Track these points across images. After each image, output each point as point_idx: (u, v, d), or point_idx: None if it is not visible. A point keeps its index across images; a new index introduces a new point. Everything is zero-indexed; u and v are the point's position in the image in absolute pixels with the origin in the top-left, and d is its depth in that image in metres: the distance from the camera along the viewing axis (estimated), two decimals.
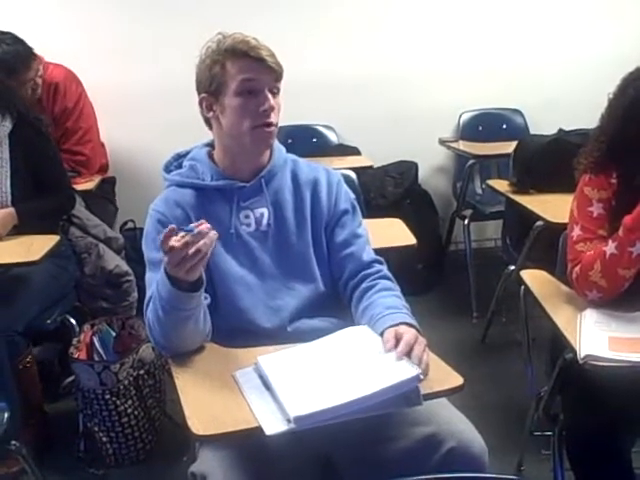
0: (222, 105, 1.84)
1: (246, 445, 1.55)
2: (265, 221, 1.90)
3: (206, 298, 1.77)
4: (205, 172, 1.90)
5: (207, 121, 1.91)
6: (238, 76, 1.80)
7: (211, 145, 1.96)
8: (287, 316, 1.86)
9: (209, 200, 1.87)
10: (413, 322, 1.73)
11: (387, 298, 1.83)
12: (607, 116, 2.02)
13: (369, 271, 1.92)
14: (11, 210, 2.68)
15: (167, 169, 1.97)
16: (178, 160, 1.99)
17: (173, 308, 1.66)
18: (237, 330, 1.83)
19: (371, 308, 1.81)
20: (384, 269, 1.95)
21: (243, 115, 1.82)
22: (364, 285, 1.89)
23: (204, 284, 1.67)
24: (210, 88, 1.84)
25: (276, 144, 1.96)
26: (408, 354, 1.58)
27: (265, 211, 1.90)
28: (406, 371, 1.51)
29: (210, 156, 1.94)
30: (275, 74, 1.82)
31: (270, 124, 1.83)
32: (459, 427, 1.63)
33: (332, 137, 4.36)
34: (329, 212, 1.95)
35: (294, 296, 1.89)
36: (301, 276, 1.91)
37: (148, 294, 1.77)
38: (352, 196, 2.02)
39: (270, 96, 1.82)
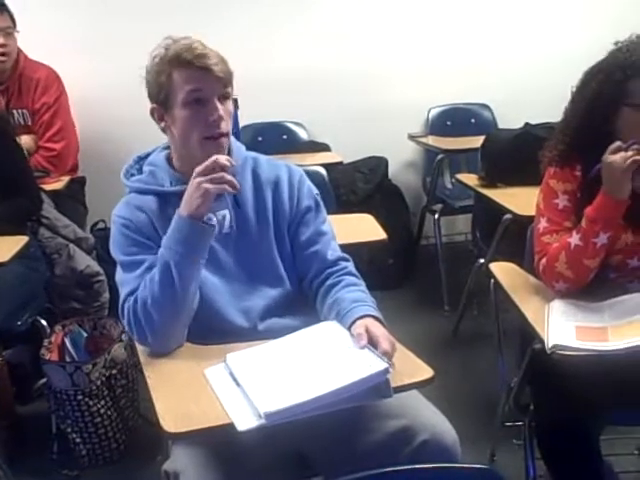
0: (172, 116, 1.82)
1: (219, 442, 1.55)
2: (227, 223, 1.88)
3: None
4: (164, 178, 1.88)
5: (162, 129, 1.89)
6: (185, 87, 1.77)
7: (169, 147, 1.94)
8: (256, 316, 1.86)
9: (170, 205, 1.84)
10: (379, 315, 1.74)
11: (353, 293, 1.83)
12: (570, 109, 2.05)
13: (334, 268, 1.91)
14: None
15: (127, 174, 1.94)
16: (139, 163, 1.97)
17: (192, 248, 1.71)
18: (209, 332, 1.82)
19: (337, 303, 1.81)
20: (349, 266, 1.94)
21: (192, 126, 1.79)
22: (329, 282, 1.89)
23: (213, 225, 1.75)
24: (159, 98, 1.82)
25: (234, 143, 1.93)
26: (376, 347, 1.59)
27: (227, 213, 1.87)
28: (375, 364, 1.52)
29: (169, 160, 1.91)
30: (223, 81, 1.79)
31: (220, 135, 1.81)
32: (431, 420, 1.65)
33: (302, 134, 4.37)
34: (292, 211, 1.93)
35: (262, 297, 1.88)
36: (267, 277, 1.90)
37: (125, 291, 1.77)
38: (315, 192, 2.00)
39: (219, 105, 1.78)
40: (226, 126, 1.82)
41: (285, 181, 1.95)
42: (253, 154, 2.00)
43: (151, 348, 1.78)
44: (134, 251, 1.79)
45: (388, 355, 1.57)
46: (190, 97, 1.77)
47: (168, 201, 1.85)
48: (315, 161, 3.51)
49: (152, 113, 1.86)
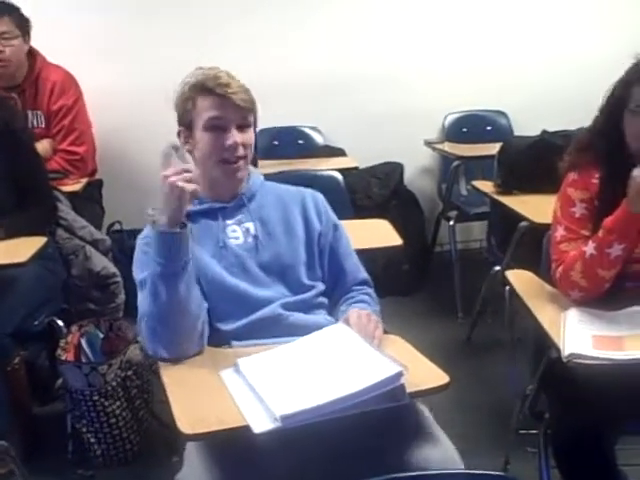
0: (194, 139, 1.91)
1: (233, 451, 1.57)
2: (252, 232, 1.95)
3: (204, 302, 1.84)
4: None
5: (188, 151, 1.96)
6: (205, 113, 1.87)
7: None
8: (281, 308, 1.91)
9: (195, 223, 1.91)
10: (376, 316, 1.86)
11: (362, 305, 1.95)
12: (600, 113, 2.05)
13: (358, 287, 2.03)
14: None
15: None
16: None
17: (167, 260, 1.71)
18: (232, 332, 1.87)
19: (344, 312, 1.93)
20: (371, 292, 2.05)
21: (210, 150, 1.89)
22: (348, 295, 2.01)
23: (187, 224, 1.75)
24: (185, 122, 1.92)
25: (252, 171, 2.03)
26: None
27: (251, 225, 1.96)
28: (389, 368, 1.52)
29: None
30: (242, 111, 1.88)
31: (238, 158, 1.88)
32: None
33: (318, 138, 4.37)
34: (321, 225, 2.02)
35: (285, 299, 1.93)
36: (290, 285, 1.95)
37: (140, 313, 1.80)
38: None
39: (235, 132, 1.87)
40: (244, 151, 1.89)
41: (310, 201, 2.04)
42: (271, 183, 2.09)
43: (168, 359, 1.79)
44: None
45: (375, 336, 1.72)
46: (209, 124, 1.88)
47: (192, 220, 1.90)
48: (330, 166, 3.52)
49: (179, 135, 1.95)
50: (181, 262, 1.74)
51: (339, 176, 3.05)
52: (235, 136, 1.87)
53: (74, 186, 3.43)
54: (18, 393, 2.67)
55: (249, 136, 1.91)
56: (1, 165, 2.72)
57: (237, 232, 1.95)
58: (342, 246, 2.05)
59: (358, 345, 1.68)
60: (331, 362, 1.64)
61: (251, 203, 1.98)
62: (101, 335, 2.81)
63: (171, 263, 1.73)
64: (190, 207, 1.87)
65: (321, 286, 2.00)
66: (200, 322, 1.80)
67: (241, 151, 1.88)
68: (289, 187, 2.09)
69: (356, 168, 3.83)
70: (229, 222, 1.95)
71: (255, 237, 1.94)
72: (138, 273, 1.87)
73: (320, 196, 2.08)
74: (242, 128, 1.89)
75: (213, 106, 1.86)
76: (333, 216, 2.07)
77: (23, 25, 3.49)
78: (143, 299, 1.80)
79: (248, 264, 1.92)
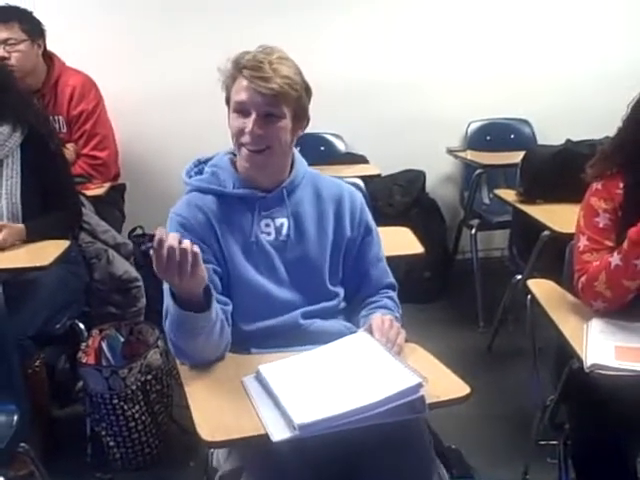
0: (229, 114, 1.89)
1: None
2: (285, 231, 1.92)
3: (227, 304, 1.83)
4: (227, 179, 1.92)
5: None
6: (236, 95, 1.84)
7: (234, 152, 1.95)
8: (301, 317, 1.91)
9: (231, 207, 1.89)
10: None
11: (383, 310, 1.94)
12: (621, 125, 2.03)
13: (383, 291, 2.01)
14: (22, 227, 2.68)
15: (188, 175, 1.98)
16: (198, 166, 2.00)
17: (181, 325, 1.68)
18: (252, 335, 1.87)
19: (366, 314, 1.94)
20: (394, 294, 2.03)
21: (232, 132, 1.87)
22: (372, 299, 1.99)
23: (210, 307, 1.67)
24: (226, 98, 1.89)
25: (298, 157, 1.99)
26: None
27: (285, 221, 1.93)
28: (409, 379, 1.52)
29: (233, 163, 1.95)
30: (266, 98, 1.80)
31: (256, 150, 1.84)
32: None
33: (340, 145, 4.37)
34: (352, 229, 1.99)
35: (307, 308, 1.92)
36: (314, 288, 1.94)
37: (165, 303, 1.77)
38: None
39: (252, 120, 1.81)
40: (262, 142, 1.83)
41: (347, 200, 2.00)
42: (314, 170, 2.05)
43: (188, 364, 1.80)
44: None
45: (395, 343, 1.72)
46: (235, 107, 1.84)
47: (229, 203, 1.90)
48: (353, 173, 3.52)
49: (228, 112, 1.92)
50: (196, 329, 1.69)
51: (361, 183, 3.04)
52: (249, 124, 1.81)
53: (97, 190, 3.44)
54: (38, 395, 2.68)
55: (275, 127, 1.83)
56: (28, 168, 2.74)
57: (270, 227, 1.91)
58: (371, 251, 2.01)
59: (379, 355, 1.67)
60: (351, 371, 1.64)
61: (290, 197, 1.94)
62: (122, 339, 2.82)
63: (185, 331, 1.70)
64: (229, 190, 1.88)
65: (342, 292, 1.99)
66: (223, 345, 1.78)
67: (256, 141, 1.82)
68: (330, 179, 2.04)
69: (378, 175, 3.83)
70: (264, 214, 1.91)
71: (287, 235, 1.92)
72: None
73: (358, 196, 2.04)
74: (269, 118, 1.82)
75: (241, 90, 1.81)
76: (368, 219, 2.03)
77: (32, 30, 3.44)
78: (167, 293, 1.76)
79: (276, 263, 1.91)
